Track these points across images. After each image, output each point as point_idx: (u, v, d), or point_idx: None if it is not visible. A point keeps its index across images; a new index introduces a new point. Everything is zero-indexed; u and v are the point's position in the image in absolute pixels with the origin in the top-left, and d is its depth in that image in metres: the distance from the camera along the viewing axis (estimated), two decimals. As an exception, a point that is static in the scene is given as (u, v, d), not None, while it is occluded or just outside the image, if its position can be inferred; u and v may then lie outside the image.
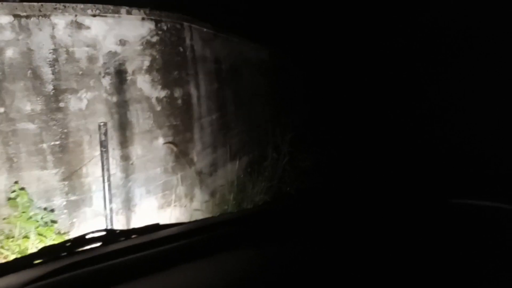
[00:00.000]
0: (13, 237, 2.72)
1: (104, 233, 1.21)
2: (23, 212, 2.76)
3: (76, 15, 3.03)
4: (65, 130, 3.01)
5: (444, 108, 6.69)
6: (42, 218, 2.84)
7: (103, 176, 2.91)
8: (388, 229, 1.13)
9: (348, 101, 8.41)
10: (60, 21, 2.96)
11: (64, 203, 3.01)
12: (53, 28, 2.94)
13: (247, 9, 6.55)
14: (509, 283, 0.88)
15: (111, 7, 3.20)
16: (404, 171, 4.70)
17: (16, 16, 2.80)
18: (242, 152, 5.21)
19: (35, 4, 2.86)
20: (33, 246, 2.65)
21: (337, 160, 6.00)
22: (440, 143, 5.52)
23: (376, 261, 0.96)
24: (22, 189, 2.84)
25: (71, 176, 3.04)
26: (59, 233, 2.91)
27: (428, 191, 1.38)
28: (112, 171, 3.06)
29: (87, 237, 1.16)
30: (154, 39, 3.53)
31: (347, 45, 8.79)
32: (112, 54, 3.23)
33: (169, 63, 3.70)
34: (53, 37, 2.94)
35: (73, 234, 2.98)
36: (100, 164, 2.96)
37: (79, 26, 3.05)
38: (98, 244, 1.16)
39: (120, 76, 3.29)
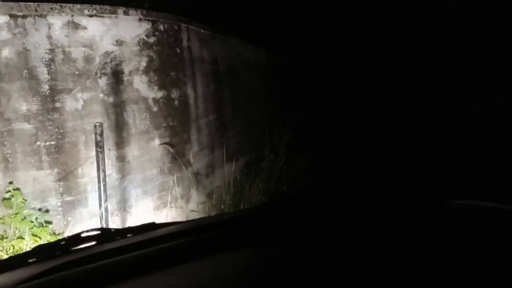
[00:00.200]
0: (7, 237, 2.70)
1: (99, 232, 1.20)
2: (18, 213, 2.74)
3: (72, 15, 3.02)
4: (61, 131, 3.00)
5: (441, 109, 6.71)
6: (37, 218, 2.82)
7: (98, 176, 2.90)
8: (384, 230, 1.13)
9: (346, 103, 8.42)
10: (57, 21, 2.95)
11: (59, 203, 3.00)
12: (50, 28, 2.93)
13: (245, 10, 6.56)
14: (507, 284, 0.87)
15: (108, 7, 3.19)
16: (402, 172, 4.71)
17: (12, 16, 2.79)
18: (239, 153, 5.20)
19: (31, 4, 2.85)
20: (27, 246, 2.64)
21: (334, 161, 6.00)
22: (438, 144, 5.54)
23: (372, 262, 0.96)
24: (17, 189, 2.82)
25: (67, 177, 3.02)
26: (54, 233, 2.90)
27: (425, 192, 1.38)
28: (108, 172, 3.05)
29: (81, 236, 1.15)
30: (151, 39, 3.53)
31: (345, 46, 8.81)
32: (109, 55, 3.22)
33: (166, 64, 3.70)
34: (49, 37, 2.93)
35: (68, 234, 2.96)
36: (96, 164, 2.95)
37: (76, 26, 3.04)
38: (93, 243, 1.15)
39: (116, 76, 3.28)
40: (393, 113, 7.26)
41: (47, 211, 2.94)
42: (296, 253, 1.04)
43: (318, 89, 8.72)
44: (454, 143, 5.32)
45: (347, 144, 6.53)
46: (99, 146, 2.90)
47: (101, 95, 3.18)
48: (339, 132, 7.18)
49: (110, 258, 1.00)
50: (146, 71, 3.49)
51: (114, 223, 3.21)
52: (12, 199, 2.76)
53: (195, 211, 3.85)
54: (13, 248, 2.64)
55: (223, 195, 4.25)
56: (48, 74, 2.94)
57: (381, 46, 8.24)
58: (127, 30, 3.34)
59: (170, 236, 1.14)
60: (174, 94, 3.79)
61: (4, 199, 2.77)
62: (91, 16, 3.11)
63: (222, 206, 4.04)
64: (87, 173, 3.09)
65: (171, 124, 3.74)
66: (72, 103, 3.04)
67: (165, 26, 3.67)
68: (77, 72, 3.06)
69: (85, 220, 3.10)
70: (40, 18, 2.89)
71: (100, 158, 2.89)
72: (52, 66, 2.95)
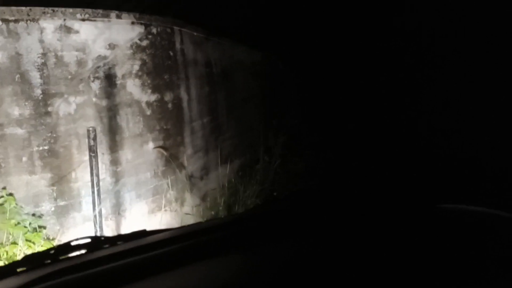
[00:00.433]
0: (1, 243, 2.68)
1: (89, 240, 1.19)
2: (11, 218, 2.72)
3: (65, 20, 3.01)
4: (54, 135, 2.99)
5: (439, 111, 6.73)
6: (30, 224, 2.81)
7: (92, 181, 2.89)
8: (380, 232, 1.13)
9: (342, 104, 8.43)
10: (49, 25, 2.95)
11: (53, 208, 2.99)
12: (42, 32, 2.92)
13: (240, 12, 6.56)
14: None
15: (100, 11, 3.19)
16: (397, 174, 4.72)
17: (4, 20, 2.78)
18: (233, 155, 5.20)
19: (23, 8, 2.84)
20: (21, 252, 2.62)
21: (330, 163, 6.00)
22: (434, 146, 5.54)
23: (367, 264, 0.96)
24: (10, 194, 2.81)
25: (60, 181, 3.01)
26: (48, 239, 2.88)
27: (418, 196, 1.39)
28: (101, 176, 3.04)
29: (71, 244, 1.15)
30: (144, 43, 3.52)
31: (341, 47, 8.82)
32: (102, 58, 3.22)
33: (159, 67, 3.69)
34: (41, 41, 2.92)
35: (62, 239, 2.95)
36: (89, 169, 2.94)
37: (68, 30, 3.04)
38: (83, 251, 1.14)
39: (109, 80, 3.27)
40: (390, 114, 7.28)
41: (40, 216, 2.92)
42: (291, 256, 1.04)
43: (314, 90, 8.73)
44: (451, 147, 5.33)
45: (344, 146, 6.54)
46: (92, 150, 2.90)
47: (94, 99, 3.18)
48: (336, 133, 7.19)
49: (100, 266, 1.00)
50: (139, 74, 3.48)
51: (108, 227, 3.21)
52: (5, 204, 2.74)
53: (189, 214, 3.85)
54: (7, 254, 2.62)
55: (217, 197, 4.25)
56: (41, 78, 2.93)
57: (377, 47, 8.26)
58: (120, 33, 3.33)
59: (161, 243, 1.14)
60: (168, 97, 3.79)
61: (-3, 204, 2.76)
62: (83, 20, 3.10)
63: (217, 209, 4.03)
64: (81, 177, 3.08)
65: (164, 127, 3.74)
66: (65, 107, 3.03)
67: (158, 29, 3.67)
68: (69, 76, 3.05)
69: (79, 225, 3.09)
70: (32, 22, 2.88)
71: (94, 162, 2.89)
72: (44, 70, 2.94)
